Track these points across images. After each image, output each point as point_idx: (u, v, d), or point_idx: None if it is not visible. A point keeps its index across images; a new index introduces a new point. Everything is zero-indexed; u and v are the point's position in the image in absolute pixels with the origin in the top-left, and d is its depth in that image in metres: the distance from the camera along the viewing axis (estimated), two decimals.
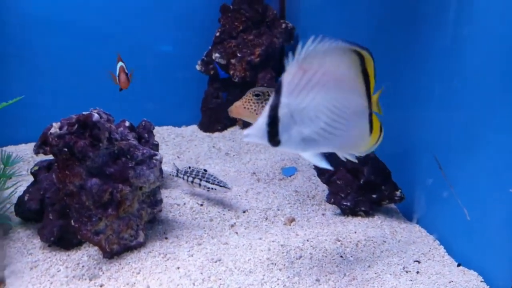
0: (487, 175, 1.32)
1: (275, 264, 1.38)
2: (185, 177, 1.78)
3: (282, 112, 0.95)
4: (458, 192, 1.42)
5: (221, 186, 1.70)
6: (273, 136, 0.96)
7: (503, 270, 1.27)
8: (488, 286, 1.30)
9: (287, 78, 0.94)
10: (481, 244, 1.36)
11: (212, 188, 1.71)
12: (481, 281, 1.31)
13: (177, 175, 1.83)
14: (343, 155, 1.07)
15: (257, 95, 1.30)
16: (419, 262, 1.41)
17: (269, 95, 1.29)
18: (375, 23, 1.82)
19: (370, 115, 1.02)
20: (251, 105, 1.32)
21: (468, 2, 1.35)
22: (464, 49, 1.38)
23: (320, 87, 0.95)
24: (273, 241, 1.49)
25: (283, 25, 2.45)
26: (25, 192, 1.58)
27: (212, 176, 1.74)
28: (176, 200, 1.78)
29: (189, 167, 1.80)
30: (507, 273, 1.24)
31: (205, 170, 1.75)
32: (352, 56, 0.97)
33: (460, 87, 1.41)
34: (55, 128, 1.36)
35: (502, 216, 1.27)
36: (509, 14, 1.22)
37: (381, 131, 1.04)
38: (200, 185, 1.73)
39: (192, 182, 1.75)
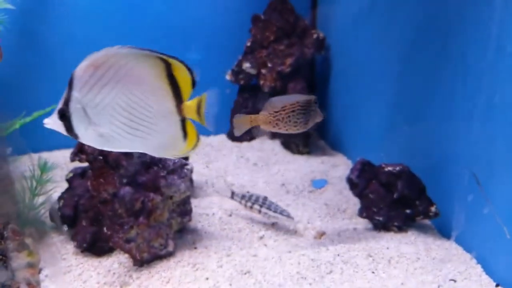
0: None
1: (305, 278, 1.36)
2: (243, 201, 1.71)
3: (73, 106, 0.96)
4: (497, 209, 1.36)
5: (283, 215, 1.63)
6: (69, 129, 0.97)
7: None
8: None
9: (79, 73, 0.95)
10: None
11: (273, 217, 1.65)
12: None
13: (232, 198, 1.76)
14: (157, 155, 1.07)
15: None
16: (454, 281, 1.35)
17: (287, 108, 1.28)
18: (411, 34, 1.78)
19: (183, 120, 1.02)
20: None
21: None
22: (506, 62, 1.33)
23: (113, 85, 0.96)
24: (303, 255, 1.47)
25: (314, 35, 2.44)
26: (59, 198, 1.61)
27: (273, 203, 1.67)
28: (205, 210, 1.78)
29: (248, 191, 1.75)
30: None
31: (266, 197, 1.70)
32: (154, 61, 0.98)
33: (501, 100, 1.36)
34: None
35: None
36: None
37: (197, 138, 1.04)
38: (260, 211, 1.67)
39: (251, 207, 1.69)
